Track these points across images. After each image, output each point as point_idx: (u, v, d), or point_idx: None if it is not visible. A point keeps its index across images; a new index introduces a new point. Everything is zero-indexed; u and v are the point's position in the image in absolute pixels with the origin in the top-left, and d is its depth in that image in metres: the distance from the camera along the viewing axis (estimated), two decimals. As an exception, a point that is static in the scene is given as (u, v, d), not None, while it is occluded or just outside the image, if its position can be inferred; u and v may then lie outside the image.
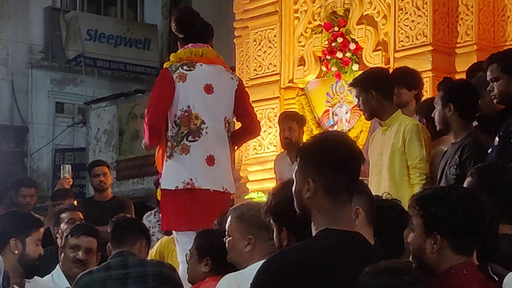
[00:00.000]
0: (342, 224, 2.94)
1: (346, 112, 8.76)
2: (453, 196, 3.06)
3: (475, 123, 5.65)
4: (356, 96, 5.81)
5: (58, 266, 5.30)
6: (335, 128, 8.75)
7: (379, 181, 5.57)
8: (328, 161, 2.95)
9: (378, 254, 3.13)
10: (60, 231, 6.01)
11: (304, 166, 2.99)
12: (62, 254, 5.31)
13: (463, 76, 6.86)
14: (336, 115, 8.83)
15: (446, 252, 3.01)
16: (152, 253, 6.30)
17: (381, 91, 5.64)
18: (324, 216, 2.95)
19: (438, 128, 5.34)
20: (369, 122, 7.23)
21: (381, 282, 2.65)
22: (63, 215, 6.19)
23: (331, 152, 2.95)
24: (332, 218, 2.94)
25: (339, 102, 8.81)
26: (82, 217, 6.30)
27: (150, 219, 7.62)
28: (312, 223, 2.98)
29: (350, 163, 2.97)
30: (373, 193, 3.92)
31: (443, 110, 5.22)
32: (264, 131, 9.19)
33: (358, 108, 5.88)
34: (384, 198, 3.93)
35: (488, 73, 5.07)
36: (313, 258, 2.86)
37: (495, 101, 5.13)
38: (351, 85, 5.92)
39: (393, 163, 5.54)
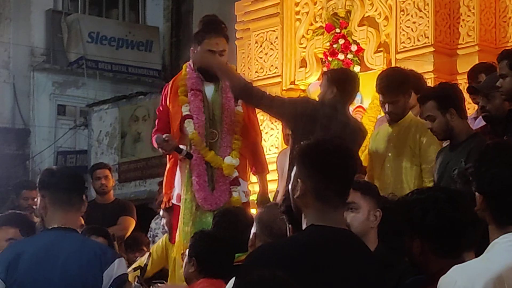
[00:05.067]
0: (330, 223, 2.96)
1: (348, 114, 8.75)
2: (422, 199, 3.07)
3: (483, 123, 5.64)
4: (393, 101, 5.62)
5: None
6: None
7: (391, 182, 5.53)
8: (317, 166, 2.98)
9: (369, 250, 3.16)
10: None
11: (297, 166, 3.03)
12: None
13: (464, 77, 6.85)
14: (338, 116, 8.82)
15: (429, 256, 3.02)
16: (154, 248, 6.34)
17: (410, 92, 5.64)
18: (311, 215, 2.98)
19: (441, 137, 5.29)
20: (372, 124, 7.25)
21: None
22: None
23: (321, 158, 2.98)
24: (320, 217, 2.96)
25: (341, 103, 8.80)
26: (82, 222, 6.29)
27: (157, 222, 7.70)
28: (302, 222, 3.01)
29: (340, 170, 2.98)
30: (386, 192, 3.97)
31: (444, 117, 5.15)
32: (266, 133, 9.19)
33: (386, 111, 5.75)
34: (389, 199, 3.95)
35: (499, 68, 5.09)
36: (294, 253, 2.89)
37: (502, 97, 5.13)
38: (395, 86, 5.66)
39: (407, 164, 5.50)
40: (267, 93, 5.75)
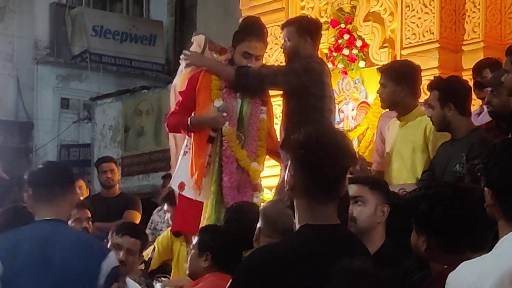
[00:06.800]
0: (321, 219, 2.96)
1: (352, 109, 8.75)
2: (430, 195, 3.09)
3: (487, 119, 5.64)
4: (381, 83, 5.71)
5: None
6: (341, 125, 8.74)
7: (400, 178, 5.51)
8: (302, 161, 2.97)
9: (361, 245, 3.15)
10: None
11: (290, 159, 3.03)
12: None
13: (469, 73, 6.86)
14: (342, 112, 8.82)
15: (435, 252, 3.03)
16: (159, 240, 6.35)
17: (410, 86, 5.60)
18: (301, 209, 2.98)
19: (437, 128, 5.28)
20: (376, 119, 7.24)
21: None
22: (71, 213, 6.18)
23: (307, 154, 2.96)
24: (309, 212, 2.96)
25: (345, 99, 8.80)
26: (89, 215, 6.31)
27: (160, 214, 7.69)
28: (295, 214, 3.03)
29: (325, 168, 2.94)
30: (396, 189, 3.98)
31: (442, 110, 5.14)
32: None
33: (379, 94, 5.81)
34: (400, 195, 3.96)
35: (505, 63, 5.08)
36: (288, 255, 2.90)
37: (506, 92, 5.12)
38: (385, 70, 5.80)
39: (415, 161, 5.49)
40: (263, 70, 5.78)
